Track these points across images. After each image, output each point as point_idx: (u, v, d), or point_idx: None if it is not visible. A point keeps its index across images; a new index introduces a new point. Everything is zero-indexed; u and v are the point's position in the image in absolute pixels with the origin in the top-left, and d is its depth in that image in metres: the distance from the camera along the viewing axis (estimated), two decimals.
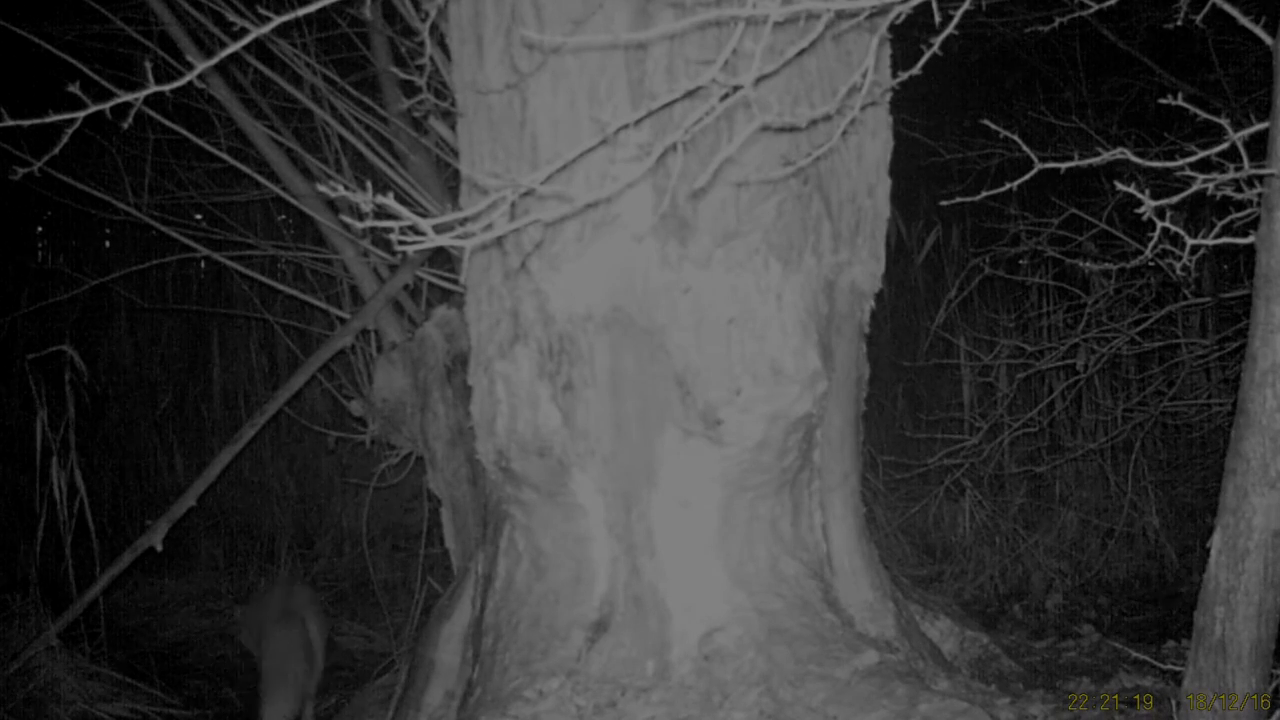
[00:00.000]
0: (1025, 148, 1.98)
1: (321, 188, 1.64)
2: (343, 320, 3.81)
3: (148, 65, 1.59)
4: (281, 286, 4.30)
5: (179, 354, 6.44)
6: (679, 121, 1.56)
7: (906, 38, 2.09)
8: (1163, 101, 1.99)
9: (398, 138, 3.65)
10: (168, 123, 3.59)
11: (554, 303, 2.60)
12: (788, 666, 2.50)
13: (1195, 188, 1.95)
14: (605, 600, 2.65)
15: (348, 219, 1.71)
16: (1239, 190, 1.98)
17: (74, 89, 1.66)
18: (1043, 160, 1.97)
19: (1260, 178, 1.87)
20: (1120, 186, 1.89)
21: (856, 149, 2.77)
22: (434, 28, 2.45)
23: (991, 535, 4.57)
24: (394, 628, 4.18)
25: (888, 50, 2.71)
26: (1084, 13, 2.44)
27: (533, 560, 2.74)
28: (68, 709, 3.53)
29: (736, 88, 1.47)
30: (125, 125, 1.69)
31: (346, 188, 1.51)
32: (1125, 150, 1.95)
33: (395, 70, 3.25)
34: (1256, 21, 1.86)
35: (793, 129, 2.31)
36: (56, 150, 1.78)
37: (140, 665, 3.95)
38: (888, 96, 2.72)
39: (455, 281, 3.48)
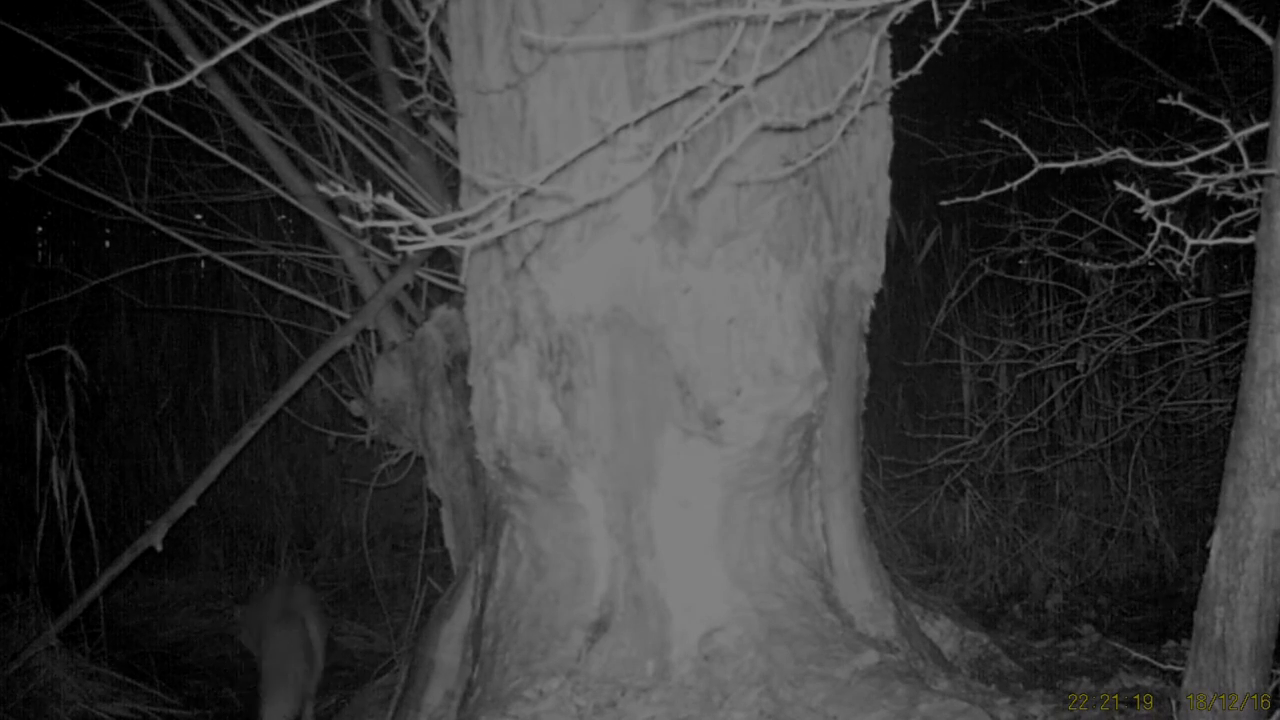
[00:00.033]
0: (1025, 148, 1.98)
1: (321, 188, 1.64)
2: (343, 320, 3.81)
3: (148, 65, 1.59)
4: (281, 286, 4.30)
5: (179, 354, 6.44)
6: (679, 121, 1.55)
7: (906, 38, 2.09)
8: (1163, 101, 1.99)
9: (398, 138, 3.65)
10: (168, 123, 3.59)
11: (554, 303, 2.60)
12: (788, 666, 2.50)
13: (1195, 188, 1.95)
14: (605, 600, 2.65)
15: (348, 219, 1.71)
16: (1239, 190, 1.98)
17: (74, 89, 1.66)
18: (1043, 160, 1.97)
19: (1260, 178, 1.87)
20: (1120, 186, 1.89)
21: (856, 149, 2.77)
22: (434, 28, 2.45)
23: (991, 535, 4.57)
24: (394, 628, 4.18)
25: (888, 50, 2.71)
26: (1084, 13, 2.44)
27: (533, 560, 2.74)
28: (68, 709, 3.53)
29: (736, 88, 1.47)
30: (125, 125, 1.69)
31: (346, 188, 1.51)
32: (1125, 150, 1.94)
33: (395, 70, 3.25)
34: (1256, 21, 1.86)
35: (793, 129, 2.31)
36: (56, 150, 1.78)
37: (140, 665, 3.95)
38: (888, 96, 2.72)
39: (455, 281, 3.48)
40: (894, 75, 2.43)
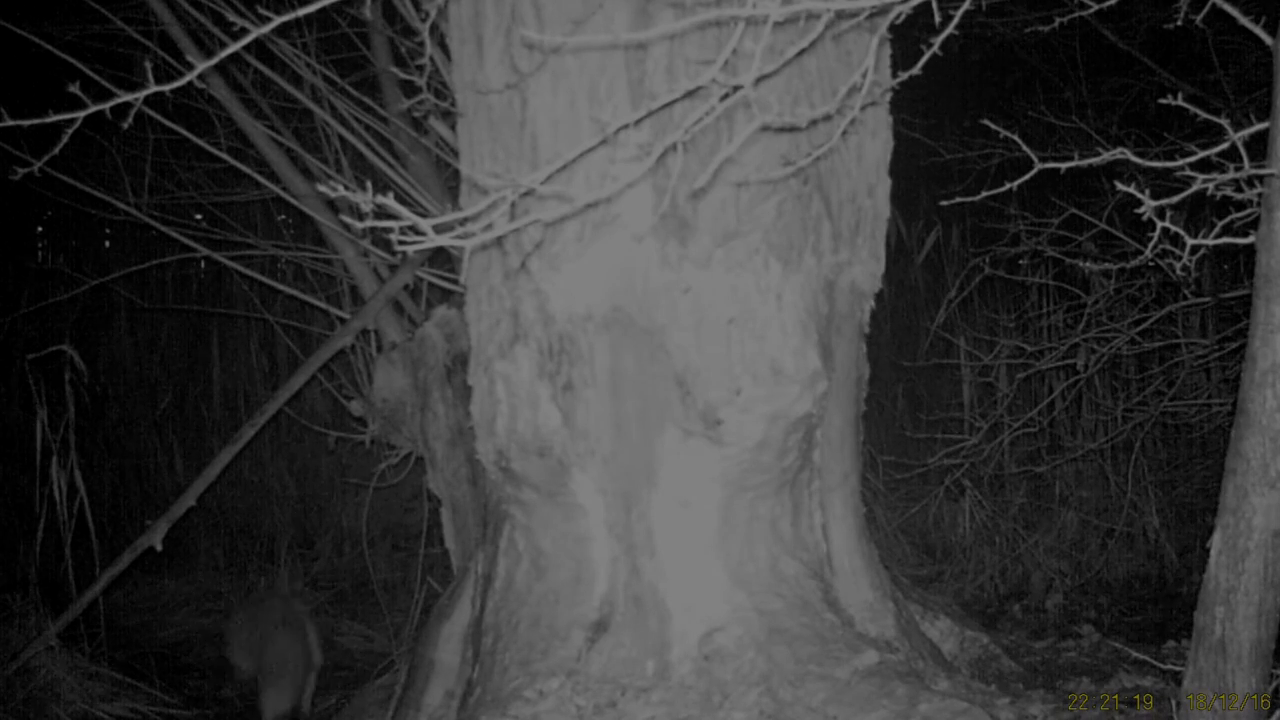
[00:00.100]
0: (1025, 148, 1.98)
1: (321, 188, 1.64)
2: (343, 320, 3.81)
3: (148, 65, 1.59)
4: (281, 286, 4.30)
5: (179, 354, 6.44)
6: (679, 121, 1.56)
7: (906, 38, 2.09)
8: (1163, 101, 1.99)
9: (398, 138, 3.65)
10: (168, 123, 3.59)
11: (554, 303, 2.60)
12: (788, 666, 2.50)
13: (1195, 188, 1.95)
14: (605, 600, 2.65)
15: (348, 219, 1.71)
16: (1239, 190, 1.98)
17: (74, 89, 1.67)
18: (1043, 160, 1.97)
19: (1260, 178, 1.87)
20: (1120, 186, 1.89)
21: (856, 149, 2.77)
22: (434, 28, 2.45)
23: (991, 535, 4.57)
24: (394, 628, 4.18)
25: (888, 50, 2.71)
26: (1084, 13, 2.44)
27: (533, 560, 2.74)
28: (68, 709, 3.53)
29: (736, 88, 1.47)
30: (125, 125, 1.69)
31: (346, 188, 1.51)
32: (1125, 150, 1.94)
33: (395, 70, 3.25)
34: (1256, 21, 1.86)
35: (793, 129, 2.31)
36: (56, 150, 1.78)
37: (140, 665, 3.95)
38: (888, 96, 2.72)
39: (455, 281, 3.48)
40: (894, 75, 2.43)
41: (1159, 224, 1.89)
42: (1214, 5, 1.91)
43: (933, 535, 4.85)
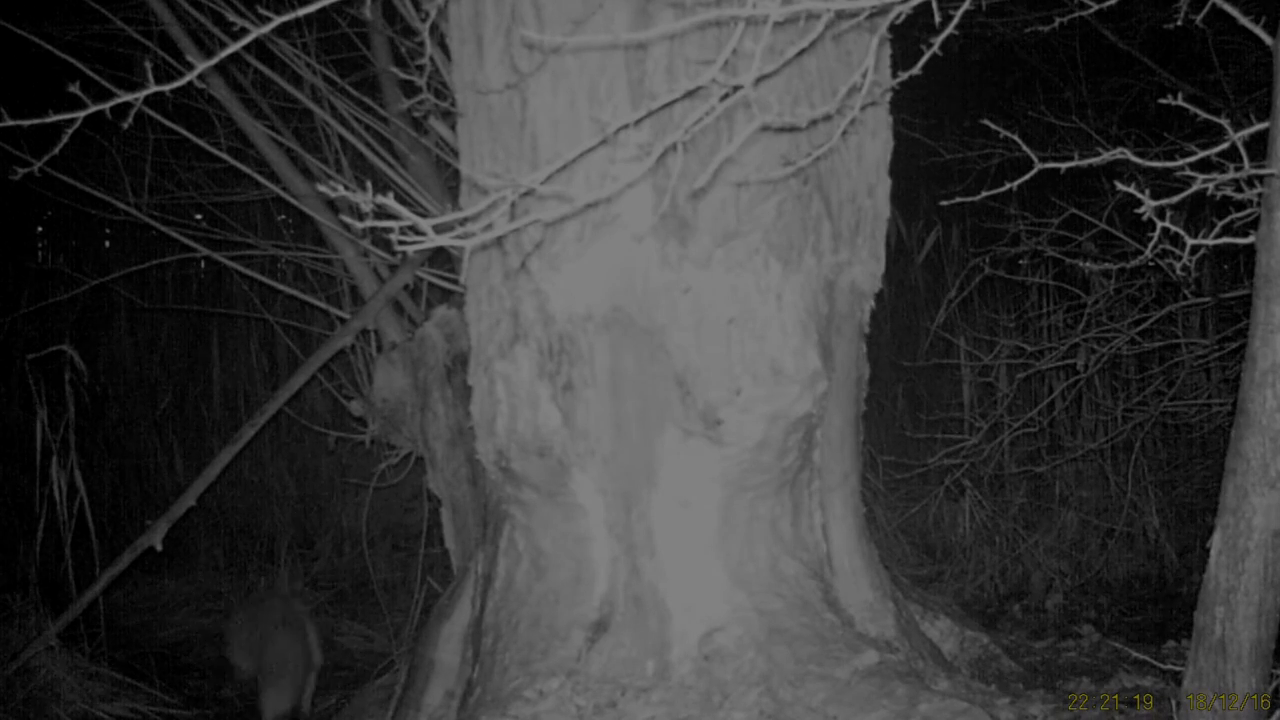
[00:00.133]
0: (1025, 148, 1.98)
1: (321, 188, 1.64)
2: (343, 320, 3.81)
3: (148, 65, 1.59)
4: (281, 286, 4.30)
5: (179, 354, 6.44)
6: (679, 121, 1.56)
7: (906, 38, 2.09)
8: (1163, 101, 1.99)
9: (398, 138, 3.65)
10: (168, 123, 3.59)
11: (554, 303, 2.60)
12: (788, 666, 2.50)
13: (1195, 188, 1.95)
14: (605, 600, 2.65)
15: (348, 219, 1.71)
16: (1239, 190, 1.98)
17: (74, 89, 1.66)
18: (1043, 160, 1.97)
19: (1260, 178, 1.87)
20: (1120, 186, 1.89)
21: (856, 149, 2.77)
22: (434, 28, 2.45)
23: (991, 535, 4.57)
24: (394, 628, 4.18)
25: (888, 50, 2.71)
26: (1084, 13, 2.44)
27: (533, 560, 2.74)
28: (68, 709, 3.53)
29: (736, 88, 1.47)
30: (125, 125, 1.69)
31: (346, 188, 1.51)
32: (1125, 150, 1.94)
33: (395, 70, 3.25)
34: (1256, 21, 1.86)
35: (793, 129, 2.31)
36: (56, 150, 1.78)
37: (140, 665, 3.95)
38: (888, 96, 2.72)
39: (455, 281, 3.48)
40: (894, 75, 2.43)
41: (1159, 224, 1.89)
42: (1214, 5, 1.91)
43: (933, 535, 4.85)
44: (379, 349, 3.62)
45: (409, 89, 3.19)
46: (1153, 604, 4.21)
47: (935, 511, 4.81)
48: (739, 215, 2.52)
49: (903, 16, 1.73)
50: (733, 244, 2.53)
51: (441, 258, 3.51)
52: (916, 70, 1.70)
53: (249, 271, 4.22)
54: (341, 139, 3.79)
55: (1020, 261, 4.92)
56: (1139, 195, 1.83)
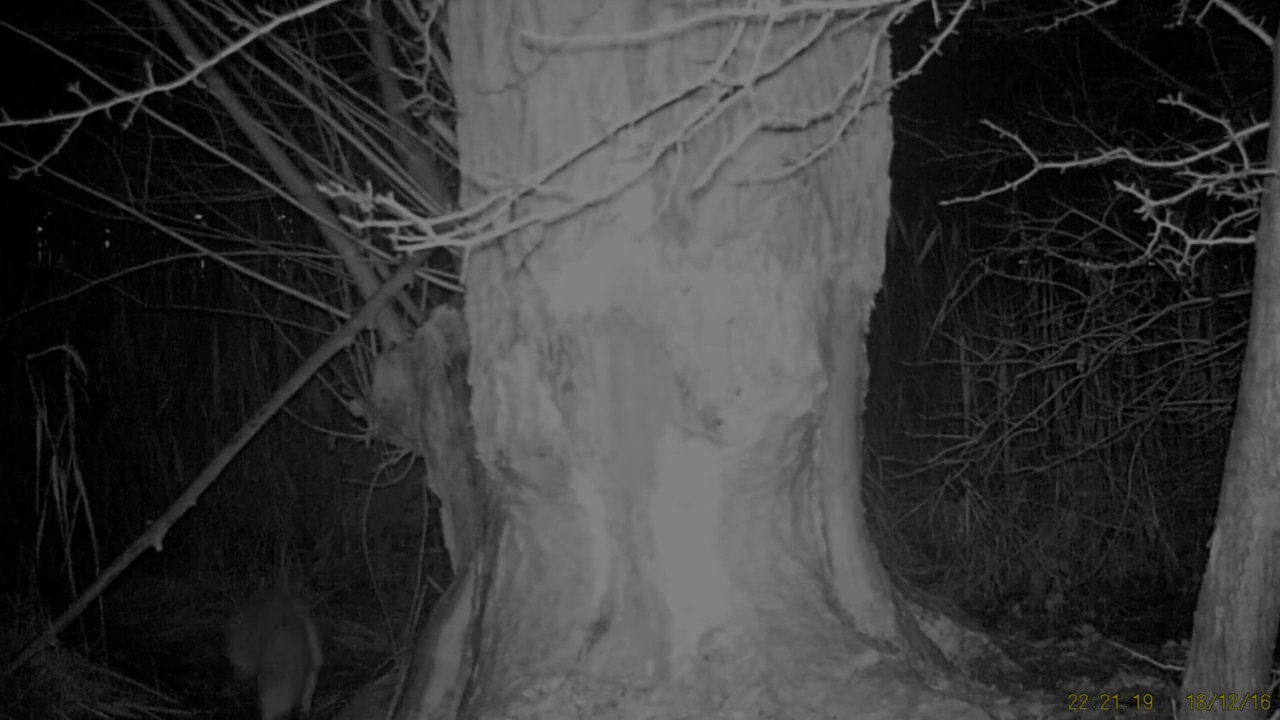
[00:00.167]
0: (1025, 148, 1.98)
1: (321, 188, 1.64)
2: (343, 320, 3.81)
3: (148, 65, 1.59)
4: (281, 286, 4.30)
5: (179, 354, 6.44)
6: (679, 121, 1.56)
7: (906, 38, 2.09)
8: (1163, 101, 1.99)
9: (398, 138, 3.65)
10: (168, 123, 3.59)
11: (554, 303, 2.60)
12: (788, 666, 2.50)
13: (1195, 188, 1.95)
14: (605, 600, 2.65)
15: (348, 219, 1.71)
16: (1239, 190, 1.98)
17: (74, 89, 1.67)
18: (1043, 160, 1.97)
19: (1260, 178, 1.87)
20: (1120, 186, 1.89)
21: (856, 149, 2.77)
22: (434, 28, 2.45)
23: (991, 535, 4.57)
24: (394, 628, 4.18)
25: (888, 50, 2.71)
26: (1084, 13, 2.44)
27: (533, 560, 2.74)
28: (68, 709, 3.53)
29: (736, 88, 1.47)
30: (125, 125, 1.69)
31: (346, 188, 1.51)
32: (1125, 150, 1.94)
33: (395, 70, 3.25)
34: (1256, 21, 1.86)
35: (793, 129, 2.31)
36: (56, 150, 1.78)
37: (140, 665, 3.95)
38: (888, 96, 2.72)
39: (455, 281, 3.48)
40: (894, 75, 2.43)
41: (1159, 224, 1.89)
42: (1214, 5, 1.91)
43: (933, 535, 4.85)
44: (379, 349, 3.62)
45: (409, 89, 3.19)
46: (1153, 604, 4.21)
47: (935, 511, 4.81)
48: (739, 215, 2.52)
49: (903, 16, 1.73)
50: (733, 244, 2.53)
51: (441, 258, 3.51)
52: (916, 70, 1.70)
53: (249, 271, 4.22)
54: (341, 139, 3.79)
55: (1020, 261, 4.92)
56: (1139, 195, 1.83)
